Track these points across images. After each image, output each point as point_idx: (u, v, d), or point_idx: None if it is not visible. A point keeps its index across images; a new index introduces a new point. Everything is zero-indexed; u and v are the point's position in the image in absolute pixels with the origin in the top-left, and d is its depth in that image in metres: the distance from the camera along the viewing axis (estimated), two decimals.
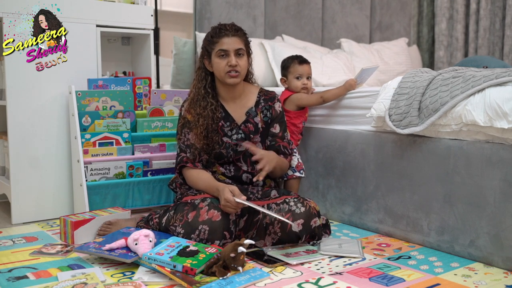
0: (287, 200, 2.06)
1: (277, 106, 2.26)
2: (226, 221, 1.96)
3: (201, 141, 2.13)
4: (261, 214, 2.03)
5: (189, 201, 2.04)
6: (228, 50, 2.09)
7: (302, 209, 2.03)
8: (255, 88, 2.27)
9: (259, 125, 2.22)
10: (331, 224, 2.34)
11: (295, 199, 2.06)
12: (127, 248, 1.88)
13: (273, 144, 2.23)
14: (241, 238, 2.06)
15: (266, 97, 2.26)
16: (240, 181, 2.20)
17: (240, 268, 1.74)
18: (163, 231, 2.07)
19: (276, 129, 2.25)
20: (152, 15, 2.88)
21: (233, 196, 1.92)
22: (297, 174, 2.39)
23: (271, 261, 1.88)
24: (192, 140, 2.15)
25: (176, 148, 2.23)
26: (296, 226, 1.98)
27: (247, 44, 2.16)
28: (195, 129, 2.15)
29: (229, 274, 1.71)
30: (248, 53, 2.17)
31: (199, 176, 2.11)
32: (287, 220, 1.94)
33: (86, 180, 2.44)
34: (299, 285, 1.70)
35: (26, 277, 1.76)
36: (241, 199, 1.90)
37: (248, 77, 2.27)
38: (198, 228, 1.92)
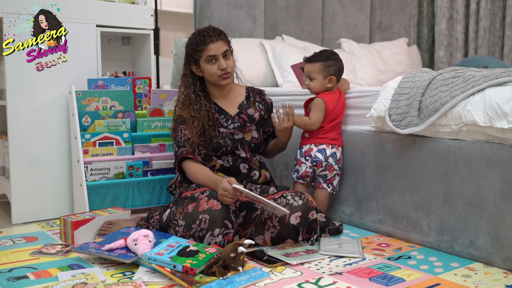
0: (284, 195, 2.09)
1: (267, 98, 2.41)
2: (226, 210, 1.97)
3: (198, 138, 2.19)
4: (259, 210, 2.06)
5: (188, 195, 2.06)
6: (217, 55, 2.18)
7: (300, 202, 2.05)
8: (242, 87, 2.40)
9: (254, 116, 2.32)
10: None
11: (293, 193, 2.09)
12: (126, 248, 1.88)
13: (273, 132, 2.38)
14: (240, 236, 2.07)
15: (255, 91, 2.40)
16: (238, 172, 2.23)
17: (240, 268, 1.74)
18: (163, 227, 2.09)
19: None
20: (152, 15, 2.88)
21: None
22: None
23: (271, 261, 1.88)
24: (189, 135, 2.19)
25: (173, 145, 2.25)
26: (287, 210, 1.98)
27: (229, 44, 2.25)
28: (190, 128, 2.19)
29: (229, 274, 1.71)
30: (231, 52, 2.27)
31: (199, 170, 2.14)
32: (283, 208, 1.95)
33: (86, 180, 2.44)
34: (299, 285, 1.70)
35: (26, 277, 1.76)
36: (238, 186, 1.93)
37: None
38: (198, 218, 1.93)
